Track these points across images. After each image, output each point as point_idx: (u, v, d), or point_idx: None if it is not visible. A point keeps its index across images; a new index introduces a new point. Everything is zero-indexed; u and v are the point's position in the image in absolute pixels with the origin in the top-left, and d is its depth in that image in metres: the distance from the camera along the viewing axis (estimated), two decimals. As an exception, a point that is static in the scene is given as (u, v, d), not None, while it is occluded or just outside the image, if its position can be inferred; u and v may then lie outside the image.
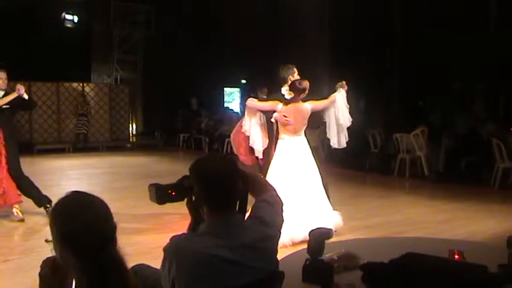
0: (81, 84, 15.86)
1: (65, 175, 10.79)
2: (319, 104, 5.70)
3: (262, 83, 9.53)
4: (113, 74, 16.98)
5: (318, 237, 2.30)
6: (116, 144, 15.92)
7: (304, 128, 5.62)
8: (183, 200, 1.98)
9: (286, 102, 5.50)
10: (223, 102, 18.40)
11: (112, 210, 1.55)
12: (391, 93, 14.87)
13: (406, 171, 9.86)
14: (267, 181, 2.18)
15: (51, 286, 1.56)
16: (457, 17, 12.74)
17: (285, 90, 5.67)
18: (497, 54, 12.40)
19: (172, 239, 1.89)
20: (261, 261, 1.90)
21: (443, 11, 12.91)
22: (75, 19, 16.59)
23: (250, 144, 5.72)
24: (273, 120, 5.54)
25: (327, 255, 2.40)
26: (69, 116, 15.55)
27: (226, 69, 16.61)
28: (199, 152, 14.29)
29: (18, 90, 6.23)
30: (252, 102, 5.61)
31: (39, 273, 1.58)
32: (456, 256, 2.36)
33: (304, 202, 5.18)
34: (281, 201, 2.08)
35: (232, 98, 19.24)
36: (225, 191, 1.92)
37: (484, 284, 1.78)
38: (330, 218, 5.28)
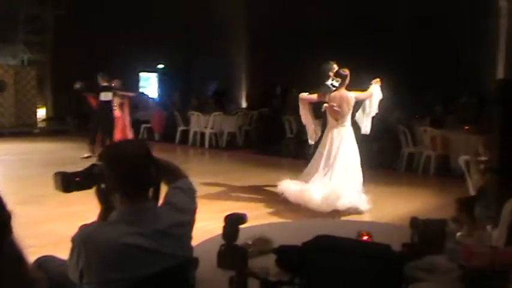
0: (-19, 66, 14.79)
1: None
2: (361, 95, 6.44)
3: (106, 71, 10.38)
4: (19, 55, 15.97)
5: (233, 223, 2.31)
6: (21, 130, 15.03)
7: (350, 113, 6.32)
8: (91, 188, 1.91)
9: (332, 91, 6.35)
10: (139, 87, 17.94)
11: (17, 200, 1.46)
12: (306, 83, 15.21)
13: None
14: (179, 168, 2.15)
15: None
16: (371, 16, 13.28)
17: (330, 83, 6.54)
18: (412, 44, 13.02)
19: (81, 228, 1.82)
20: (175, 248, 1.88)
21: (360, 10, 13.41)
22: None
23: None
24: (323, 109, 6.33)
25: (241, 240, 2.42)
26: (-31, 99, 14.50)
27: (143, 53, 16.20)
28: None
29: None
30: (304, 95, 6.53)
31: None
32: (364, 237, 2.48)
33: (345, 178, 6.11)
34: (194, 188, 2.07)
35: (148, 83, 18.79)
36: (139, 177, 1.88)
37: (389, 262, 1.87)
38: (362, 198, 6.05)
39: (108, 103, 10.29)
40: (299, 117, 11.15)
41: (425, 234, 2.48)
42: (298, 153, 10.69)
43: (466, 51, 11.63)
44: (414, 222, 2.58)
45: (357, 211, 5.84)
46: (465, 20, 11.59)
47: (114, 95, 10.41)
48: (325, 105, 6.34)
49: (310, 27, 15.50)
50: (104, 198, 1.91)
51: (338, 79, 6.41)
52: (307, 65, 15.50)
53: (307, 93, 6.73)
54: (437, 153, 8.71)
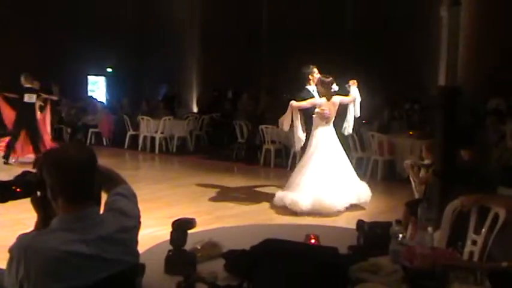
0: None
1: None
2: (345, 99, 6.73)
3: (30, 72, 10.15)
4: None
5: (181, 228, 2.29)
6: None
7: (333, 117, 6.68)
8: (29, 196, 1.85)
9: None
10: (87, 91, 17.52)
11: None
12: (260, 87, 15.31)
13: (271, 161, 10.25)
14: (119, 174, 2.11)
15: None
16: (322, 16, 13.52)
17: (311, 89, 6.71)
18: (356, 50, 13.34)
19: (20, 237, 1.76)
20: (120, 254, 1.85)
21: (310, 11, 13.63)
22: None
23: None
24: (314, 115, 6.55)
25: (190, 245, 2.40)
26: None
27: (91, 56, 15.84)
28: (60, 142, 13.47)
29: None
30: (296, 103, 6.54)
31: None
32: (312, 240, 2.51)
33: (341, 176, 6.55)
34: (135, 193, 2.04)
35: (97, 86, 18.38)
36: (82, 183, 1.83)
37: (335, 264, 1.91)
38: (363, 188, 6.69)
39: (32, 105, 10.00)
40: (251, 121, 11.29)
41: (371, 237, 2.54)
42: (249, 158, 10.74)
43: (412, 59, 12.02)
44: (360, 225, 2.64)
45: (360, 202, 6.56)
46: (411, 28, 11.99)
47: (38, 97, 10.14)
48: (317, 110, 6.55)
49: (262, 30, 15.63)
50: (41, 206, 1.86)
51: (322, 89, 6.59)
52: (260, 69, 15.66)
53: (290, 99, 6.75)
54: (384, 157, 8.95)
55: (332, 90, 6.61)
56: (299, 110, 6.58)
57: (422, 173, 4.85)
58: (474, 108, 9.42)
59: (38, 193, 1.84)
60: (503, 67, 10.90)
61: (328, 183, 6.43)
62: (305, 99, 6.62)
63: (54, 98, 11.39)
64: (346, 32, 13.91)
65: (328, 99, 6.59)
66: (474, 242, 3.23)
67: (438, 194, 3.97)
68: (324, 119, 6.59)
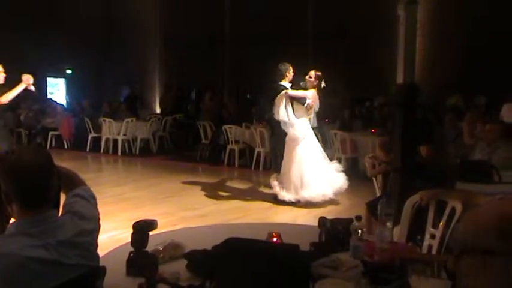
0: None
1: None
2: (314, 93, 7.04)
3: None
4: None
5: (141, 229, 2.27)
6: None
7: None
8: None
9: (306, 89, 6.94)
10: (47, 93, 17.12)
11: None
12: (222, 88, 15.31)
13: (235, 161, 10.25)
14: (78, 175, 2.08)
15: None
16: (284, 18, 13.62)
17: (287, 85, 6.98)
18: (314, 55, 13.51)
19: None
20: (80, 257, 1.82)
21: (268, 13, 13.71)
22: None
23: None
24: (306, 105, 6.88)
25: (152, 247, 2.38)
26: None
27: (49, 57, 15.48)
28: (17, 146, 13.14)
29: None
30: (292, 92, 6.89)
31: None
32: (274, 238, 2.52)
33: (324, 166, 7.00)
34: (94, 195, 2.01)
35: (56, 88, 17.98)
36: (40, 185, 1.79)
37: (295, 261, 1.93)
38: (339, 178, 6.99)
39: None
40: (213, 122, 11.26)
41: (332, 233, 2.57)
42: (213, 159, 10.71)
43: (372, 58, 12.24)
44: (322, 221, 2.67)
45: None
46: (369, 27, 12.20)
47: None
48: (309, 101, 6.87)
49: (225, 31, 15.62)
50: None
51: (312, 81, 6.95)
52: (222, 70, 15.66)
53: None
54: (346, 155, 9.07)
55: (284, 85, 6.95)
56: (291, 99, 6.90)
57: (372, 169, 4.97)
58: (433, 105, 9.66)
59: None
60: (461, 65, 11.22)
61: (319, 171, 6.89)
62: (274, 97, 6.90)
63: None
64: (308, 33, 14.06)
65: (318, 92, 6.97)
66: (432, 236, 3.31)
67: (398, 189, 4.05)
68: (310, 111, 6.96)
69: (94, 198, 2.00)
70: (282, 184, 6.90)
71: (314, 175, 6.82)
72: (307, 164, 6.85)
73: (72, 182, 2.00)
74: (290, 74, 7.08)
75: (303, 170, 6.82)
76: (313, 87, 6.94)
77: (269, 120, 7.58)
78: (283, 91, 6.87)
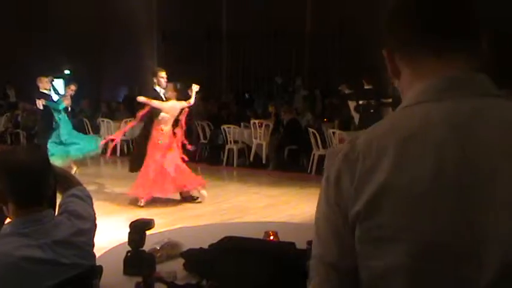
0: None
1: None
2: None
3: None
4: None
5: (138, 229, 2.28)
6: None
7: None
8: None
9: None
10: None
11: None
12: (220, 88, 15.31)
13: (234, 160, 10.25)
14: (73, 175, 2.09)
15: None
16: (280, 17, 13.63)
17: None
18: (312, 53, 13.53)
19: None
20: (76, 257, 1.83)
21: (265, 11, 13.71)
22: None
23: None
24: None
25: (149, 246, 2.39)
26: None
27: (48, 58, 15.47)
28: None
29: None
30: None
31: None
32: (271, 237, 2.53)
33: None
34: (90, 195, 2.02)
35: (55, 89, 17.96)
36: (36, 185, 1.80)
37: (292, 259, 1.94)
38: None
39: None
40: (212, 122, 11.26)
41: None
42: (212, 158, 10.70)
43: (372, 57, 12.21)
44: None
45: None
46: (373, 23, 12.18)
47: None
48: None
49: (222, 28, 15.61)
50: None
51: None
52: (220, 69, 15.66)
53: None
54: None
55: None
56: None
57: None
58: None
59: None
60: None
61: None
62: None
63: None
64: (306, 32, 14.06)
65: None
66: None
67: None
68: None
69: (90, 198, 2.01)
70: None
71: None
72: None
73: (68, 182, 2.00)
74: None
75: None
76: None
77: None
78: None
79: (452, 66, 0.93)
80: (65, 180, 2.00)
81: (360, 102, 8.64)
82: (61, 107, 8.74)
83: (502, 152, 0.85)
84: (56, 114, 8.60)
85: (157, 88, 6.89)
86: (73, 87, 9.15)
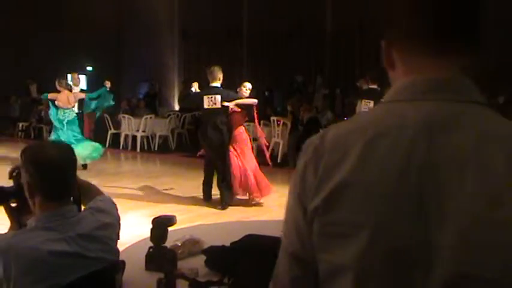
0: None
1: None
2: None
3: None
4: None
5: (161, 225, 2.30)
6: None
7: None
8: (1, 204, 1.85)
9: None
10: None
11: None
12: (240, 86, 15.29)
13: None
14: (96, 187, 2.12)
15: None
16: (300, 16, 13.58)
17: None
18: (334, 52, 13.45)
19: None
20: (100, 251, 1.85)
21: (286, 10, 13.67)
22: None
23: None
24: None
25: (171, 243, 2.41)
26: None
27: (71, 54, 15.67)
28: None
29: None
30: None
31: None
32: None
33: None
34: (114, 202, 2.04)
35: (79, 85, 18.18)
36: (64, 180, 1.83)
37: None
38: None
39: None
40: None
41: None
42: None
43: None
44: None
45: None
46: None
47: None
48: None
49: (243, 26, 15.61)
50: (15, 215, 1.85)
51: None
52: (240, 67, 15.67)
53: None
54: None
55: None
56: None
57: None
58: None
59: (12, 204, 1.83)
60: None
61: None
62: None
63: None
64: (326, 32, 14.00)
65: None
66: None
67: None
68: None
69: (114, 203, 2.03)
70: None
71: None
72: None
73: (92, 193, 2.03)
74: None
75: None
76: None
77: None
78: None
79: (442, 67, 0.91)
80: (89, 191, 2.03)
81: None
82: (110, 103, 9.08)
83: (470, 163, 0.82)
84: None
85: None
86: (108, 83, 9.35)
